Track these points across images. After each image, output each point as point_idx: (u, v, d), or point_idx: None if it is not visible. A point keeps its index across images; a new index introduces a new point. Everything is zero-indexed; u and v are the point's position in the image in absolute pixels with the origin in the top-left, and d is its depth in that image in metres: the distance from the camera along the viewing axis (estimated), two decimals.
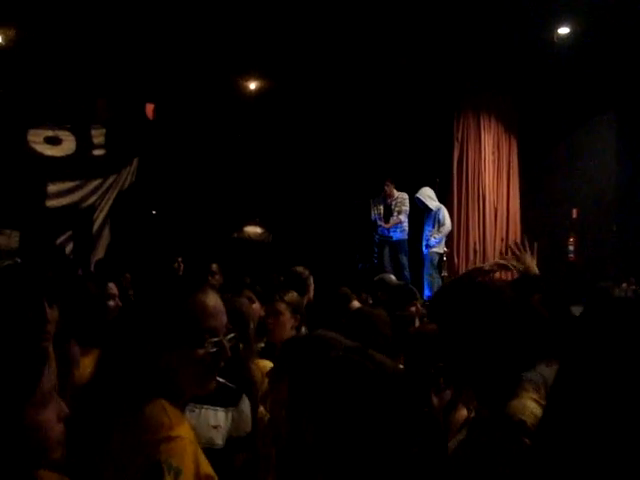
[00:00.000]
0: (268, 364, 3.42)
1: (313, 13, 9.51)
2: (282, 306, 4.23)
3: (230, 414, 2.71)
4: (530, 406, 1.92)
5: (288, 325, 4.20)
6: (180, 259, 9.09)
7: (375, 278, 6.60)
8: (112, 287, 4.55)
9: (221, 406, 2.70)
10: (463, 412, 2.67)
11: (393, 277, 6.74)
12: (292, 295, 4.31)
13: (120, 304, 4.45)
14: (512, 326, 1.98)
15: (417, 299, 5.17)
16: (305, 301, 5.00)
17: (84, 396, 2.10)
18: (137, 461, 1.73)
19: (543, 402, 1.98)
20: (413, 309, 5.01)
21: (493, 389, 1.97)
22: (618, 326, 1.28)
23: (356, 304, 4.53)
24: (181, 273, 8.95)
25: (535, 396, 2.00)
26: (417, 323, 4.39)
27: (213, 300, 1.93)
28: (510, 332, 1.97)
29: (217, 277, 6.97)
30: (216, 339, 1.90)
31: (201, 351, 1.88)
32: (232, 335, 1.98)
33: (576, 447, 1.23)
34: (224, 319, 1.95)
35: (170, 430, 1.79)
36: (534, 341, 2.01)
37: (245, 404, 2.79)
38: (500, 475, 1.84)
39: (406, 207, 10.67)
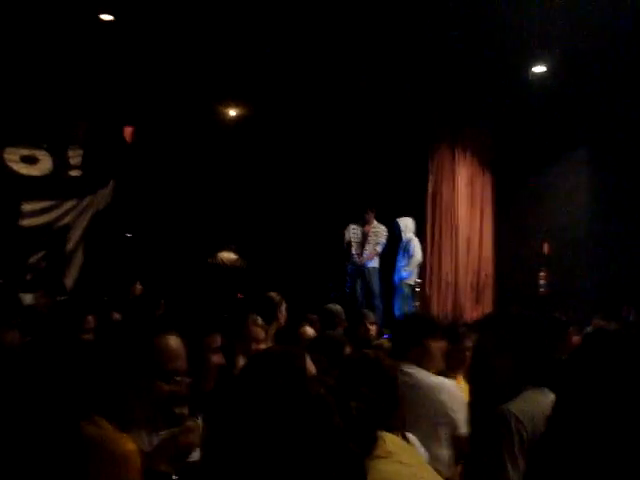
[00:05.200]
0: None
1: (293, 42, 9.63)
2: (262, 333, 4.26)
3: None
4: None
5: None
6: (138, 282, 9.05)
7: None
8: (90, 320, 4.45)
9: None
10: None
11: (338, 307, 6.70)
12: (259, 320, 4.34)
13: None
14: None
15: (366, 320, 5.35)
16: (275, 327, 5.04)
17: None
18: None
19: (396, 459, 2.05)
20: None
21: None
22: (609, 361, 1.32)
23: (308, 330, 4.61)
24: (139, 297, 8.90)
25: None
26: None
27: (177, 343, 2.03)
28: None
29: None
30: (178, 377, 2.00)
31: (162, 385, 1.96)
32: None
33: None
34: (185, 362, 2.04)
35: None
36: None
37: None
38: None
39: (384, 239, 10.73)
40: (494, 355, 2.89)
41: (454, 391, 3.75)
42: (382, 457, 2.05)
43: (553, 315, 5.75)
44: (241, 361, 3.99)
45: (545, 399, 2.63)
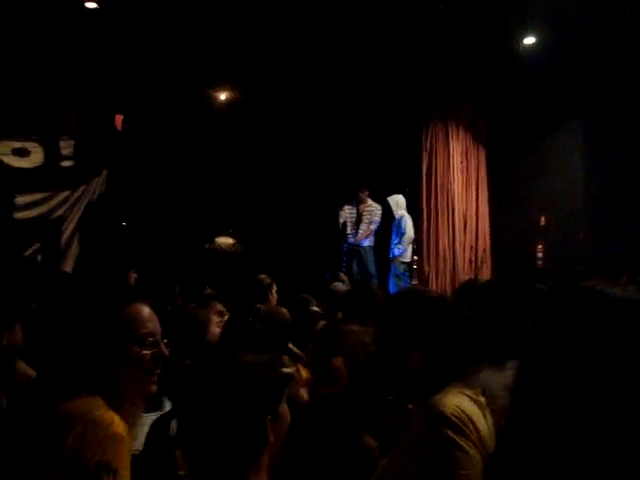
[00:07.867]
0: None
1: (283, 25, 9.56)
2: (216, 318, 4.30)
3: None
4: (453, 399, 1.95)
5: None
6: (133, 270, 9.00)
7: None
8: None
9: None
10: None
11: (341, 285, 6.72)
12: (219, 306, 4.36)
13: None
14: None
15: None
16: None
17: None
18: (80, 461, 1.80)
19: (477, 397, 2.02)
20: None
21: (420, 389, 2.02)
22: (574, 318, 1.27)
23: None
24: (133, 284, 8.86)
25: (467, 392, 2.02)
26: None
27: (147, 309, 2.08)
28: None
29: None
30: (153, 339, 2.03)
31: (140, 350, 2.01)
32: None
33: (541, 444, 1.22)
34: (158, 326, 2.07)
35: (109, 427, 1.87)
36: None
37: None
38: (418, 461, 1.90)
39: (378, 218, 10.76)
40: None
41: None
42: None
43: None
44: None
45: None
